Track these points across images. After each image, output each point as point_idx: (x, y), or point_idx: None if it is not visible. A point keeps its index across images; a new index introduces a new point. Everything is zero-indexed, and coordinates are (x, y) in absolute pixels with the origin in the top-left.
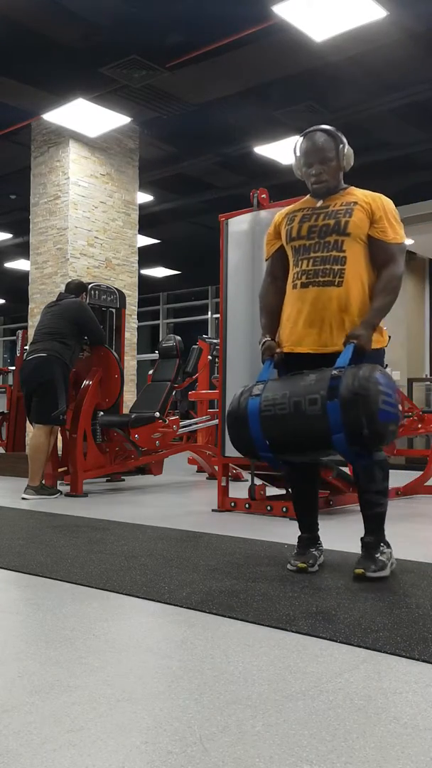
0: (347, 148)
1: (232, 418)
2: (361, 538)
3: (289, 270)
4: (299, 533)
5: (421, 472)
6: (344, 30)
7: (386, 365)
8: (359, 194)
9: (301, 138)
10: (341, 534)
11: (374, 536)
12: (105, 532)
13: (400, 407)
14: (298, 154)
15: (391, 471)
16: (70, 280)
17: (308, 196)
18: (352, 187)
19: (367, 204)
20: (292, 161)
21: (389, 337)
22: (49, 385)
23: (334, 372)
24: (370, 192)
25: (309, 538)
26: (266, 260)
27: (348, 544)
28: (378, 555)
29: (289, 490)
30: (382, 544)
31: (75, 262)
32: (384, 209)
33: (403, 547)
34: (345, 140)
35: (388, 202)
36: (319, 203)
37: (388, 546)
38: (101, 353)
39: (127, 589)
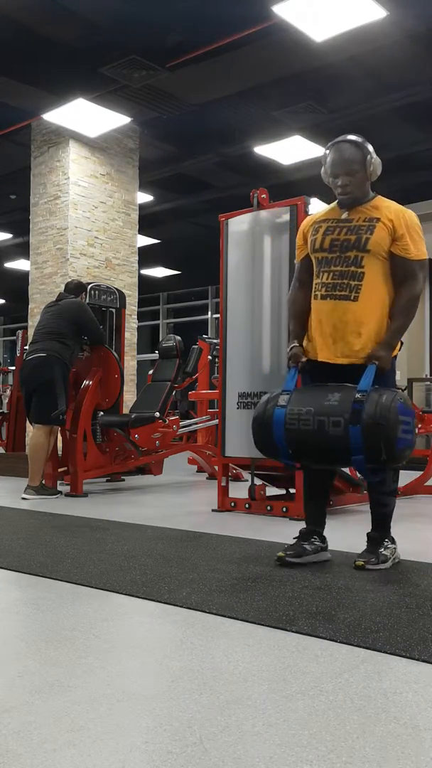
0: (374, 158)
1: (257, 424)
2: (367, 533)
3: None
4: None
5: (421, 472)
6: (344, 30)
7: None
8: (384, 208)
9: (329, 148)
10: (341, 534)
11: (379, 532)
12: (105, 532)
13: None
14: (325, 164)
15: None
16: (69, 280)
17: (335, 203)
18: (379, 198)
19: (390, 221)
20: (321, 170)
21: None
22: (49, 385)
23: (358, 396)
24: (396, 206)
25: (307, 531)
26: (296, 262)
27: (348, 543)
28: (381, 549)
29: (289, 490)
30: (386, 540)
31: (75, 262)
32: (407, 226)
33: (403, 547)
34: (372, 150)
35: (412, 217)
36: (344, 215)
37: (393, 542)
38: (101, 353)
39: (127, 589)
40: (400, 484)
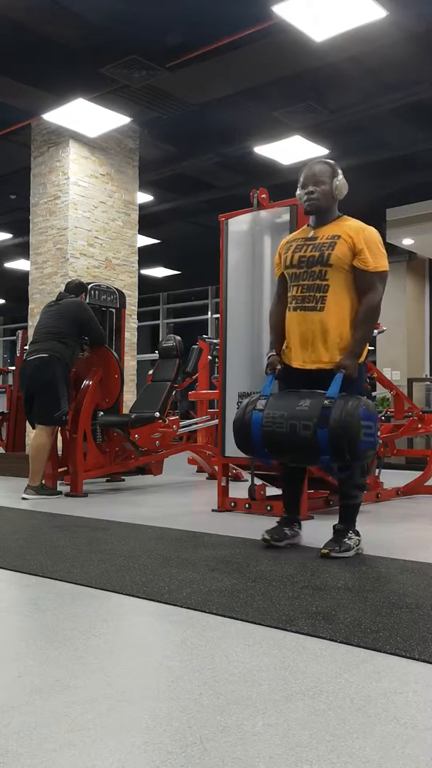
0: (342, 179)
1: (237, 425)
2: (334, 525)
3: None
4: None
5: (421, 472)
6: (344, 30)
7: (371, 376)
8: (346, 227)
9: (302, 168)
10: None
11: (345, 524)
12: (105, 532)
13: (379, 434)
14: (299, 183)
15: (391, 471)
16: (70, 280)
17: (306, 225)
18: (345, 218)
19: (350, 237)
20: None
21: (384, 329)
22: (51, 386)
23: (326, 402)
24: (357, 223)
25: (286, 518)
26: (275, 279)
27: None
28: (345, 539)
29: None
30: (351, 532)
31: (75, 262)
32: (366, 241)
33: (403, 547)
34: (340, 172)
35: (371, 234)
36: (311, 233)
37: (358, 534)
38: (101, 353)
39: (127, 589)
40: (400, 484)
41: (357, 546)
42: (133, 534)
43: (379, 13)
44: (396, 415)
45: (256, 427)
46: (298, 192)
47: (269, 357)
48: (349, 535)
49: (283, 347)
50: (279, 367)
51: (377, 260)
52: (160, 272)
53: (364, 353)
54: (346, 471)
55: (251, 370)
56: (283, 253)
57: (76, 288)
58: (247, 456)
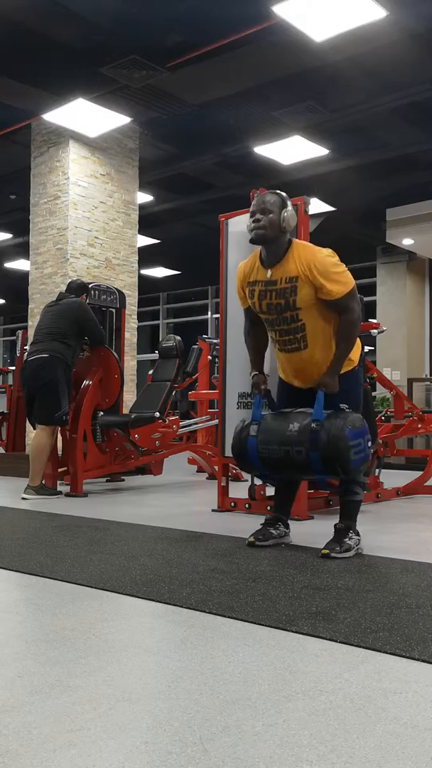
0: (290, 211)
1: (235, 452)
2: (335, 525)
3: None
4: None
5: (421, 472)
6: (344, 30)
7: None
8: (297, 262)
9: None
10: None
11: (346, 523)
12: (105, 532)
13: (369, 444)
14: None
15: (391, 471)
16: (71, 280)
17: (256, 257)
18: (293, 246)
19: (305, 275)
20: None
21: (384, 329)
22: (52, 386)
23: (313, 425)
24: (306, 255)
25: (271, 518)
26: (242, 308)
27: None
28: (345, 539)
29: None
30: (351, 531)
31: (75, 262)
32: (320, 273)
33: (403, 547)
34: (290, 204)
35: (323, 262)
36: (269, 274)
37: (358, 534)
38: (101, 353)
39: (127, 589)
40: (400, 484)
41: (357, 546)
42: (133, 534)
43: (379, 13)
44: (396, 415)
45: (253, 453)
46: (247, 223)
47: (253, 377)
48: (350, 534)
49: (278, 367)
50: (264, 386)
51: (338, 286)
52: (160, 272)
53: (357, 356)
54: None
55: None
56: (248, 295)
57: (77, 288)
58: (250, 474)
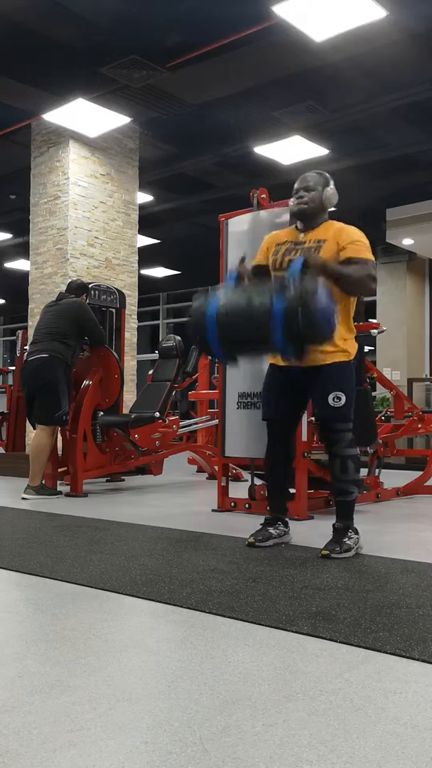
0: (332, 188)
1: (194, 316)
2: (333, 524)
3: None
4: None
5: (421, 472)
6: (344, 30)
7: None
8: (332, 230)
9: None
10: None
11: (344, 522)
12: (105, 532)
13: (335, 320)
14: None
15: (391, 471)
16: (71, 280)
17: (293, 227)
18: (330, 221)
19: (334, 238)
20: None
21: (384, 329)
22: (52, 386)
23: (285, 278)
24: (340, 225)
25: (271, 517)
26: (252, 264)
27: None
28: (345, 539)
29: (289, 490)
30: (350, 531)
31: (75, 262)
32: (348, 235)
33: (403, 547)
34: (332, 182)
35: (354, 231)
36: (300, 236)
37: (357, 533)
38: (101, 353)
39: (127, 589)
40: (400, 484)
41: (357, 545)
42: (133, 534)
43: (379, 13)
44: (396, 415)
45: (212, 309)
46: (292, 200)
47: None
48: (349, 534)
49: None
50: (241, 267)
51: (360, 249)
52: (160, 272)
53: (354, 349)
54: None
55: (251, 370)
56: (272, 254)
57: (77, 289)
58: (198, 337)
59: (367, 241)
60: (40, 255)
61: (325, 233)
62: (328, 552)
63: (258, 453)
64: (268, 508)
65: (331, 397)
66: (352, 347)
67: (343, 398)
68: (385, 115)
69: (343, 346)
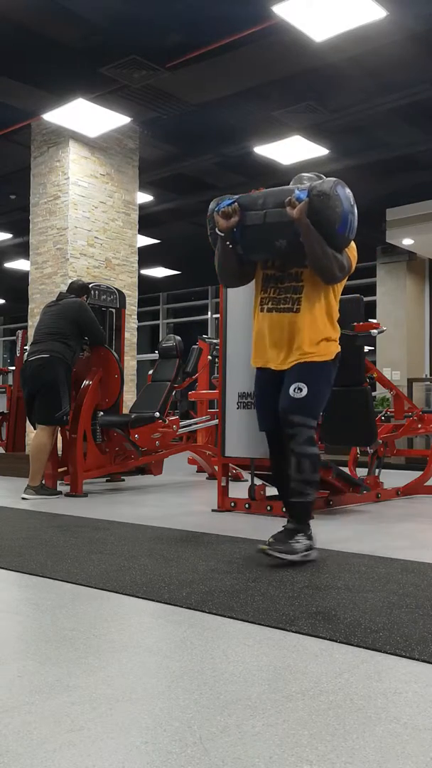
0: None
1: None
2: (283, 524)
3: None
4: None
5: (421, 472)
6: (344, 30)
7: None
8: None
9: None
10: (341, 534)
11: (295, 524)
12: (105, 532)
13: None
14: None
15: (391, 471)
16: (72, 280)
17: None
18: None
19: None
20: None
21: (384, 329)
22: (53, 386)
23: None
24: None
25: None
26: None
27: (348, 544)
28: (291, 541)
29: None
30: (300, 534)
31: (75, 262)
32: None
33: (403, 547)
34: None
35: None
36: None
37: (309, 539)
38: (101, 353)
39: (127, 589)
40: (399, 484)
41: (306, 550)
42: (133, 534)
43: (379, 13)
44: (396, 415)
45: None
46: None
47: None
48: (297, 537)
49: (252, 352)
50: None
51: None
52: (160, 272)
53: (332, 352)
54: (293, 435)
55: (251, 370)
56: None
57: (78, 289)
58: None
59: (355, 251)
60: (40, 255)
61: None
62: (266, 547)
63: (258, 453)
64: (268, 508)
65: (292, 387)
66: (332, 349)
67: (305, 390)
68: (385, 115)
69: (319, 350)
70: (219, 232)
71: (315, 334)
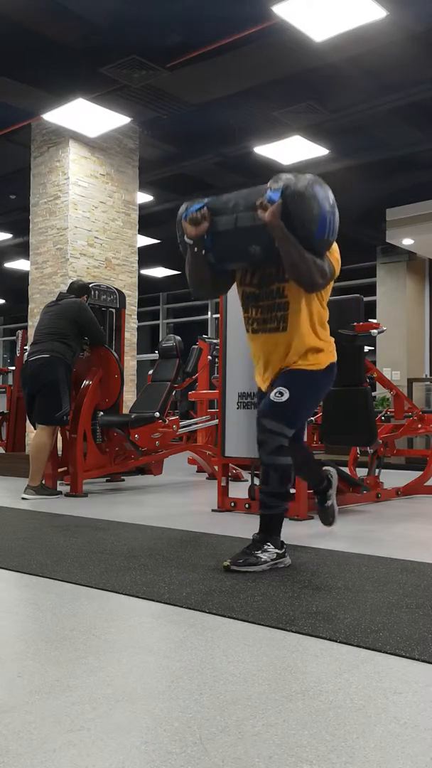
0: None
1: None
2: (252, 534)
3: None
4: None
5: (421, 472)
6: (344, 30)
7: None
8: None
9: None
10: (341, 534)
11: (261, 535)
12: (105, 532)
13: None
14: None
15: (391, 471)
16: (72, 280)
17: None
18: None
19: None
20: None
21: (384, 329)
22: (53, 386)
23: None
24: None
25: None
26: None
27: (348, 544)
28: (257, 551)
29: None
30: (268, 543)
31: (75, 262)
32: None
33: (403, 547)
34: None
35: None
36: None
37: (279, 548)
38: (101, 353)
39: (127, 589)
40: (399, 484)
41: (273, 560)
42: (133, 534)
43: (379, 13)
44: (396, 415)
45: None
46: None
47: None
48: (264, 547)
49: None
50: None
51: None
52: (160, 272)
53: (326, 360)
54: (262, 445)
55: (251, 370)
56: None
57: (78, 289)
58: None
59: (337, 254)
60: (40, 255)
61: None
62: (228, 563)
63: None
64: None
65: (274, 392)
66: (326, 358)
67: (286, 394)
68: (385, 115)
69: (307, 359)
70: (188, 240)
71: (301, 347)
